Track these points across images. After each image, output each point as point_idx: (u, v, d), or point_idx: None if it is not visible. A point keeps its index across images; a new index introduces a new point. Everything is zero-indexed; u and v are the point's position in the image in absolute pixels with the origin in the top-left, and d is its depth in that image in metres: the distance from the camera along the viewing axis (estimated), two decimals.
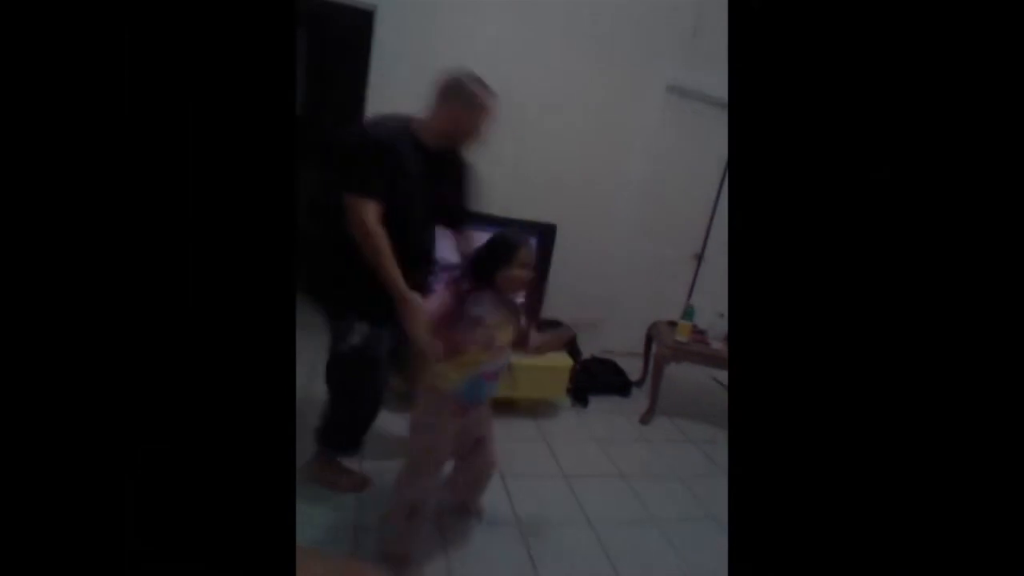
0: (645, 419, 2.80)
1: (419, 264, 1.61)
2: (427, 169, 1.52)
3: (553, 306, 3.06)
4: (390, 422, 2.33)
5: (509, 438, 2.36)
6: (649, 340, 3.12)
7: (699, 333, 2.83)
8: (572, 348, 2.92)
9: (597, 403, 2.90)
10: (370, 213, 1.41)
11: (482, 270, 1.33)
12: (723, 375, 3.34)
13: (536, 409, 2.67)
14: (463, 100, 1.50)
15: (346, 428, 1.74)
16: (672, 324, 2.91)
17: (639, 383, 3.19)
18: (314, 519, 1.64)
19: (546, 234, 2.86)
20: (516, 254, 1.32)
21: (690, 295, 3.61)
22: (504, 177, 3.05)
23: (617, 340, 3.46)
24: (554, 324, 2.95)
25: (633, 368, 3.21)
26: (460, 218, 1.74)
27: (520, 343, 1.46)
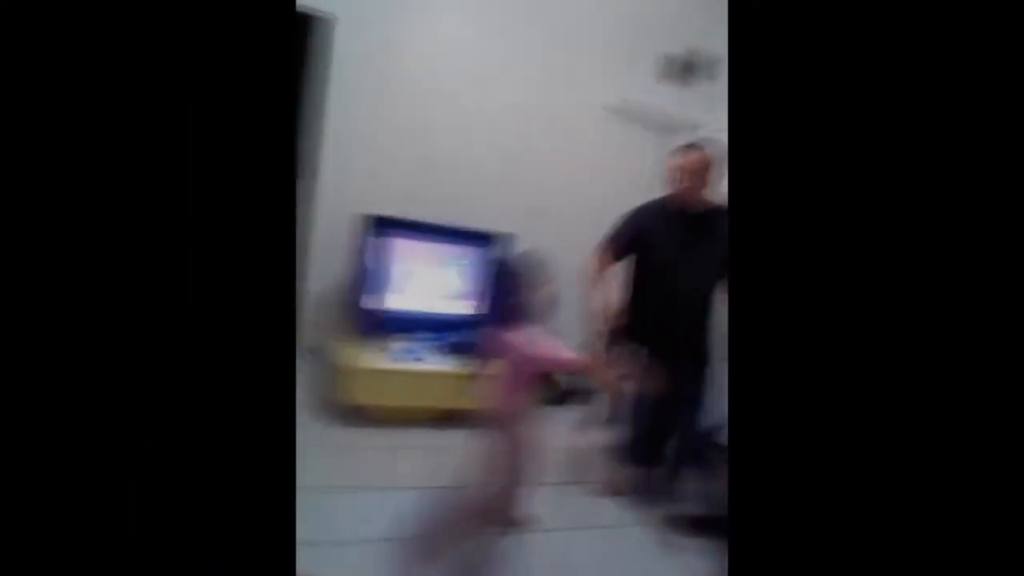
0: (603, 424, 2.80)
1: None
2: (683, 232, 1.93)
3: None
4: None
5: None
6: None
7: None
8: None
9: (557, 411, 2.89)
10: (595, 260, 2.00)
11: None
12: None
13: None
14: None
15: (648, 444, 2.11)
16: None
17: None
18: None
19: (502, 245, 2.86)
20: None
21: None
22: (459, 187, 3.05)
23: (574, 348, 3.47)
24: None
25: None
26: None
27: None
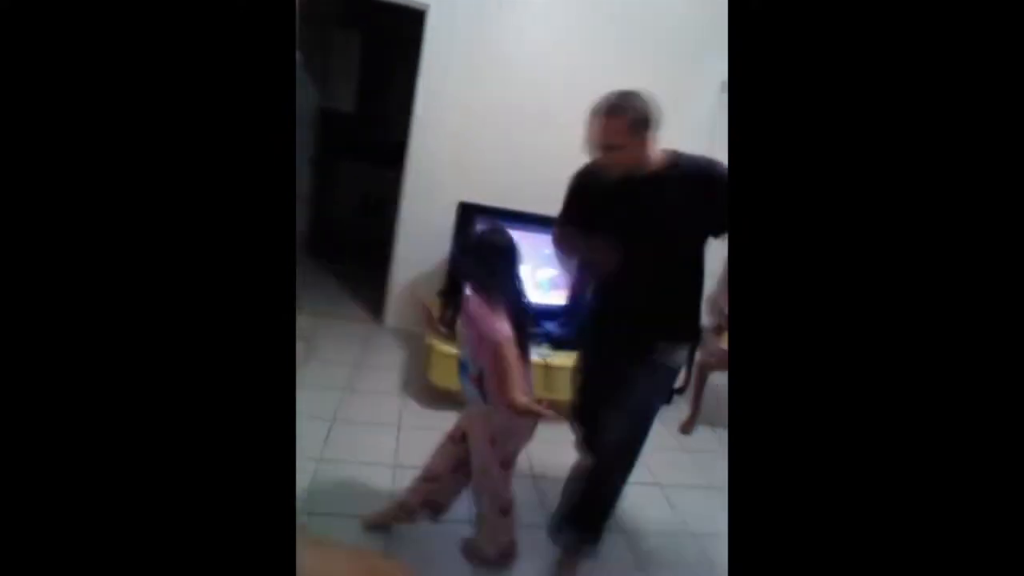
0: (686, 429, 2.73)
1: None
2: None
3: None
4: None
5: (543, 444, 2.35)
6: (693, 346, 3.03)
7: None
8: None
9: None
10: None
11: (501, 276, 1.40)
12: None
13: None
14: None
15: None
16: (719, 329, 2.82)
17: (681, 390, 3.11)
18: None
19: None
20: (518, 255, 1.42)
21: None
22: (547, 177, 3.03)
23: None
24: None
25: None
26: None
27: None
